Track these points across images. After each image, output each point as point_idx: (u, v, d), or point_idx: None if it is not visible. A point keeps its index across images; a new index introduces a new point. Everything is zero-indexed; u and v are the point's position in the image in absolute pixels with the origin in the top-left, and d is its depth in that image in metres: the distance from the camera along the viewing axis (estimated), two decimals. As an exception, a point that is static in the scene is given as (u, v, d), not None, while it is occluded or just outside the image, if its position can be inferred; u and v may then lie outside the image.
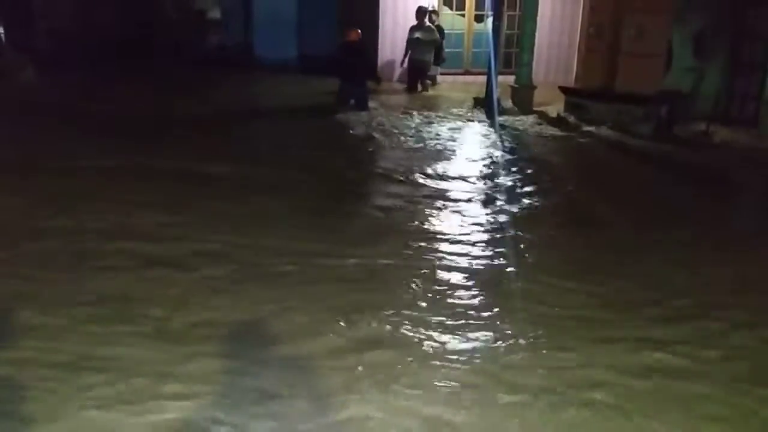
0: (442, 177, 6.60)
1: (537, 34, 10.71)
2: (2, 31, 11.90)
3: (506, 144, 8.24)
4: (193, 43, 15.01)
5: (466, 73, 12.90)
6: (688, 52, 9.82)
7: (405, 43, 11.77)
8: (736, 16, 9.65)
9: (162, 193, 5.64)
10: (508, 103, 10.33)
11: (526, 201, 5.98)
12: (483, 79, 10.67)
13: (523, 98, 10.39)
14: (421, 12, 11.59)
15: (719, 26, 9.68)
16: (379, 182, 6.42)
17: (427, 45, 11.61)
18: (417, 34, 11.54)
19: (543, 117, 9.87)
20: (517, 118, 9.81)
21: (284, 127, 8.86)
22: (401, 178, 6.47)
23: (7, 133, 7.54)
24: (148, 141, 7.52)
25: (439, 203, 5.78)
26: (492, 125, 9.30)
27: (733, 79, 9.84)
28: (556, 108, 10.05)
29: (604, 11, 9.45)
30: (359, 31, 10.41)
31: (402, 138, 8.24)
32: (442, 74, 12.57)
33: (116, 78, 11.66)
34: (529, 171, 7.00)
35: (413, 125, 9.02)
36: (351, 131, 8.56)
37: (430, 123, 9.22)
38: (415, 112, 9.78)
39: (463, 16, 12.88)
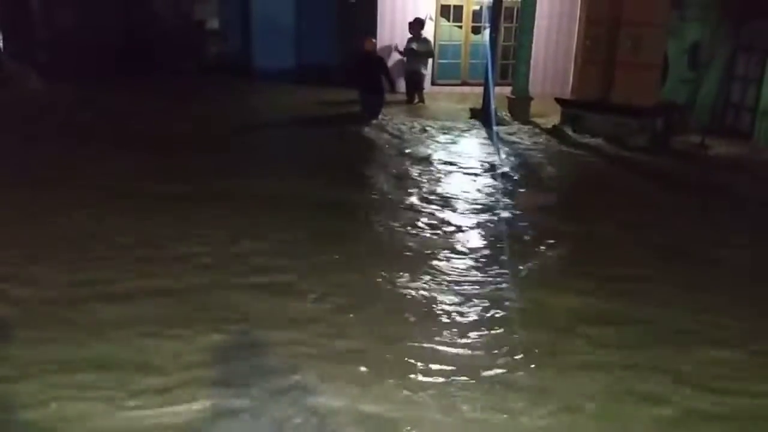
0: (445, 190, 6.66)
1: (534, 46, 10.77)
2: (1, 41, 11.92)
3: (503, 155, 8.27)
4: (192, 52, 15.04)
5: (464, 84, 12.94)
6: (684, 64, 9.89)
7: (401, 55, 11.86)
8: (731, 28, 9.72)
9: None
10: (505, 115, 10.37)
11: (522, 214, 6.03)
12: (480, 90, 10.70)
13: (520, 109, 10.44)
14: (417, 23, 11.64)
15: (715, 38, 9.75)
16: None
17: (423, 56, 11.66)
18: (413, 45, 11.60)
19: (539, 128, 9.91)
20: (514, 129, 9.85)
21: (302, 139, 8.85)
22: (407, 199, 6.50)
23: (48, 151, 7.42)
24: (183, 159, 7.33)
25: (443, 216, 5.82)
26: (489, 136, 9.33)
27: (728, 91, 9.90)
28: (552, 119, 10.10)
29: (600, 23, 9.50)
30: (374, 40, 10.69)
31: (404, 149, 8.31)
32: (440, 85, 12.63)
33: (120, 89, 11.61)
34: (526, 182, 7.05)
35: (413, 136, 9.06)
36: (355, 143, 8.66)
37: (430, 134, 9.26)
38: (413, 124, 9.81)
39: (461, 27, 12.94)
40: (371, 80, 10.12)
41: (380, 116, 9.97)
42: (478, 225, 5.62)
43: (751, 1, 9.47)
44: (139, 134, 8.37)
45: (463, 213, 5.92)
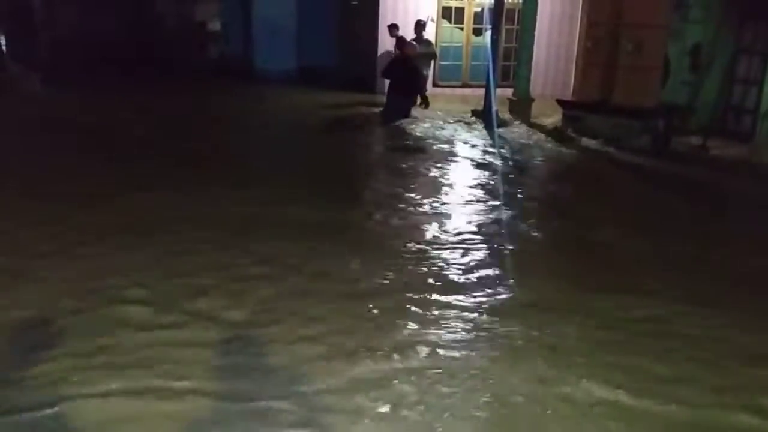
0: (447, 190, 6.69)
1: (535, 48, 10.80)
2: (4, 43, 11.93)
3: (504, 157, 8.27)
4: (193, 54, 15.08)
5: (465, 85, 12.95)
6: (685, 65, 9.90)
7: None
8: (732, 30, 9.73)
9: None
10: (506, 116, 10.39)
11: (522, 215, 6.03)
12: (481, 91, 10.73)
13: (521, 111, 10.46)
14: (419, 25, 11.64)
15: (716, 40, 9.76)
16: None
17: (425, 58, 11.63)
18: (418, 48, 11.57)
19: (540, 129, 9.93)
20: (515, 130, 9.87)
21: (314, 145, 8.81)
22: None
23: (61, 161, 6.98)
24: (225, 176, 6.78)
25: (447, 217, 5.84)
26: (491, 137, 9.35)
27: (729, 92, 9.91)
28: (553, 121, 10.12)
29: (601, 25, 9.52)
30: (414, 44, 10.97)
31: (407, 152, 8.33)
32: (441, 86, 12.65)
33: (120, 92, 11.51)
34: (527, 184, 7.07)
35: (414, 139, 9.08)
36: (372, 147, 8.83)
37: (433, 135, 9.29)
38: (415, 125, 9.84)
39: (462, 29, 12.96)
40: (406, 83, 10.47)
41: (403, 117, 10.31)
42: (482, 232, 5.62)
43: (752, 3, 9.49)
44: (145, 143, 8.28)
45: (465, 223, 5.83)
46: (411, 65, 10.65)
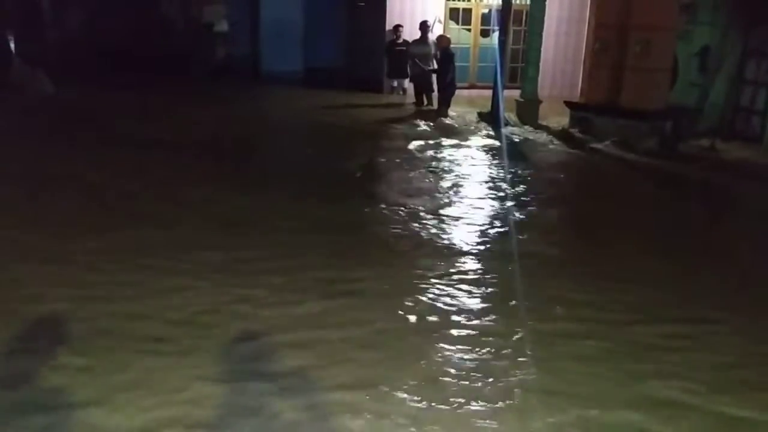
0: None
1: (543, 49, 10.78)
2: (12, 43, 11.97)
3: (511, 158, 8.25)
4: (200, 55, 15.09)
5: (472, 87, 12.94)
6: (694, 67, 9.88)
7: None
8: (741, 32, 9.70)
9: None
10: (513, 117, 10.37)
11: (528, 214, 6.02)
12: (489, 93, 10.71)
13: (529, 112, 10.44)
14: (422, 26, 11.62)
15: (724, 42, 9.73)
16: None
17: (423, 59, 11.49)
18: (413, 49, 11.55)
19: (548, 131, 9.90)
20: (522, 131, 9.85)
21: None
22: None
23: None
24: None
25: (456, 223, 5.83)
26: (498, 139, 9.33)
27: (738, 95, 9.88)
28: (561, 122, 10.10)
29: (609, 27, 9.50)
30: (448, 36, 11.37)
31: (414, 155, 8.28)
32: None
33: (127, 94, 11.29)
34: (533, 185, 7.04)
35: (414, 139, 9.06)
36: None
37: (436, 136, 9.27)
38: (419, 127, 9.83)
39: (470, 30, 12.95)
40: (446, 74, 10.84)
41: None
42: (490, 238, 5.62)
43: (761, 5, 9.46)
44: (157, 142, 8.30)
45: (473, 228, 5.75)
46: (450, 55, 10.94)
